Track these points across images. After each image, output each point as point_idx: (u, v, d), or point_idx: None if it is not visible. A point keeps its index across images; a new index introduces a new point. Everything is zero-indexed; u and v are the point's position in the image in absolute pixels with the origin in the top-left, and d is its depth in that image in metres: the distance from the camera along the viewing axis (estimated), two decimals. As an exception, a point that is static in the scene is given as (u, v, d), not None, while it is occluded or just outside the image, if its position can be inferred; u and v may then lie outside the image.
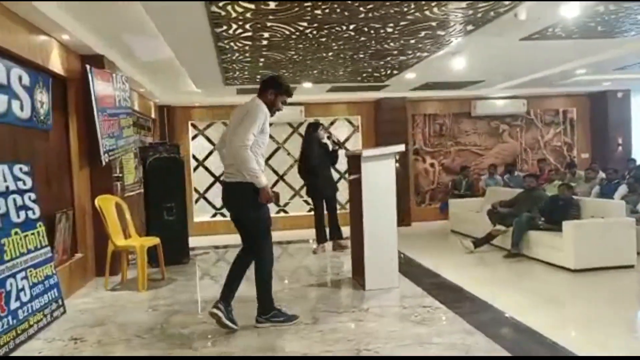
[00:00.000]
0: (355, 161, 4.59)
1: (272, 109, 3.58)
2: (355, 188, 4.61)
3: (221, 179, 3.65)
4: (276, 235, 8.26)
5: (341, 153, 6.35)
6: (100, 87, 4.87)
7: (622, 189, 7.12)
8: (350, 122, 10.37)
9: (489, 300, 4.37)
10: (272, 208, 10.68)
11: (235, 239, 3.78)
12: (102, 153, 4.74)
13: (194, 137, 9.96)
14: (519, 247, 6.51)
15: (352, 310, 3.92)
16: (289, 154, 10.01)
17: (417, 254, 6.66)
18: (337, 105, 10.16)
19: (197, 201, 10.00)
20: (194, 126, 9.96)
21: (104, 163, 4.80)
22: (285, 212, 10.08)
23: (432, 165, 10.57)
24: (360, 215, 4.44)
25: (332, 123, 10.26)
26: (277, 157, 10.08)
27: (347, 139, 10.31)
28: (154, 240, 4.93)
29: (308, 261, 6.07)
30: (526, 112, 10.44)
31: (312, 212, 6.50)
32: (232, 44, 4.73)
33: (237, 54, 5.20)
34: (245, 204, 3.41)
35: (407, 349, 3.10)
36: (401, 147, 4.63)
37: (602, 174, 8.20)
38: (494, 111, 10.34)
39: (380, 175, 4.44)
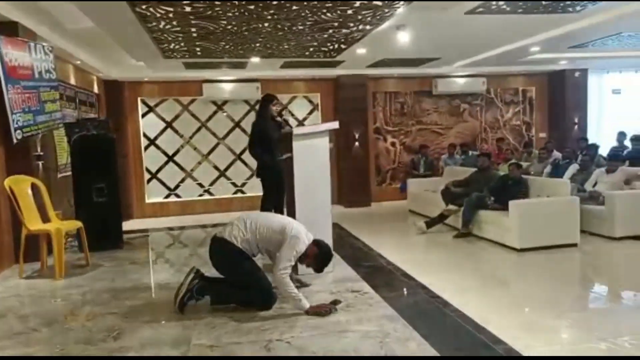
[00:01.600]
0: (288, 140, 4.34)
1: (301, 258, 3.55)
2: (289, 167, 4.38)
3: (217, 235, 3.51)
4: (200, 218, 8.07)
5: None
6: (11, 56, 4.46)
7: (573, 168, 7.09)
8: (309, 100, 10.09)
9: (426, 282, 4.26)
10: (196, 190, 10.21)
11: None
12: (12, 130, 4.36)
13: (144, 115, 9.52)
14: (469, 226, 6.43)
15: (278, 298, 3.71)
16: (214, 135, 9.68)
17: (368, 235, 6.53)
18: (295, 82, 9.85)
19: (149, 181, 9.63)
20: (144, 103, 9.52)
21: (15, 140, 4.42)
22: (211, 194, 9.78)
23: (393, 144, 10.41)
24: (293, 197, 4.22)
25: (290, 101, 9.96)
26: (201, 135, 9.68)
27: (305, 118, 10.04)
28: (75, 224, 4.62)
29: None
30: (486, 91, 10.33)
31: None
32: (151, 9, 4.36)
33: (163, 23, 4.83)
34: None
35: (320, 339, 2.93)
36: (335, 125, 4.40)
37: (556, 154, 8.17)
38: (455, 89, 10.20)
39: (313, 154, 4.21)
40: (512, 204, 5.69)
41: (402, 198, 9.27)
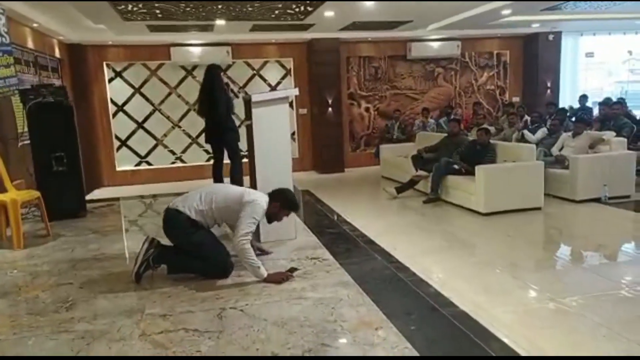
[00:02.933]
0: (249, 106, 4.25)
1: (271, 218, 3.54)
2: (250, 135, 4.30)
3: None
4: (174, 186, 7.97)
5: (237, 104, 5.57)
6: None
7: (541, 132, 7.15)
8: (282, 65, 9.89)
9: (390, 248, 4.30)
10: (168, 158, 10.06)
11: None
12: (-44, 97, 4.17)
13: (110, 80, 9.24)
14: (438, 192, 6.49)
15: (235, 267, 3.71)
16: (185, 101, 9.47)
17: (337, 201, 6.55)
18: (267, 46, 9.62)
19: (118, 149, 9.44)
20: (110, 68, 9.21)
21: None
22: (183, 161, 9.67)
23: (367, 109, 10.34)
24: (253, 165, 4.17)
25: (262, 65, 9.76)
26: (171, 102, 9.48)
27: (278, 83, 9.87)
28: (33, 194, 4.51)
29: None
30: (461, 55, 10.24)
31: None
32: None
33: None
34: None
35: (274, 306, 2.94)
36: (295, 91, 4.32)
37: (527, 118, 8.21)
38: (429, 54, 10.09)
39: (273, 121, 4.12)
40: (478, 168, 5.74)
41: (377, 164, 9.29)
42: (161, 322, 2.81)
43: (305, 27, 8.28)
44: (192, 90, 9.40)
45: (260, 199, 3.43)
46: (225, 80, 5.71)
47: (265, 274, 3.31)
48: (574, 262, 4.35)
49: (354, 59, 10.04)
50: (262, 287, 3.24)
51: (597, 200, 5.86)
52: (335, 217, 5.57)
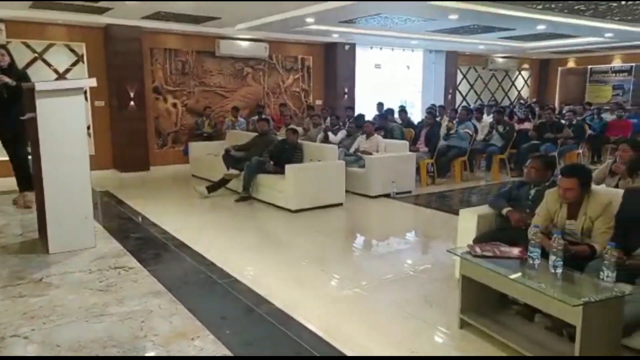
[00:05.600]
0: (30, 97, 3.61)
1: None
2: (33, 130, 3.67)
3: None
4: None
5: None
6: None
7: (341, 134, 7.82)
8: (72, 50, 8.72)
9: (203, 250, 4.16)
10: None
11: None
12: None
13: None
14: (250, 190, 6.54)
15: (17, 283, 3.12)
16: None
17: (143, 202, 6.08)
18: (54, 27, 8.37)
19: None
20: None
21: None
22: None
23: (174, 105, 9.85)
24: (39, 166, 3.57)
25: (46, 48, 8.46)
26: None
27: (67, 70, 8.69)
28: None
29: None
30: (269, 57, 10.54)
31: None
32: None
33: None
34: None
35: (69, 328, 2.56)
36: (92, 82, 3.84)
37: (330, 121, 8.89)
38: (238, 52, 10.12)
39: (65, 115, 3.59)
40: (288, 167, 5.97)
41: (186, 162, 8.95)
42: None
43: (101, 10, 7.47)
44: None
45: None
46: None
47: None
48: (369, 251, 4.85)
49: (159, 51, 9.47)
50: (53, 307, 2.79)
51: (387, 195, 6.67)
52: (141, 220, 5.17)
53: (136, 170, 8.87)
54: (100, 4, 6.76)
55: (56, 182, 3.55)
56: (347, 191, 6.41)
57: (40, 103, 3.47)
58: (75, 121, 3.66)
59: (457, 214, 3.63)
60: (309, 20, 7.72)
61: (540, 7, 7.16)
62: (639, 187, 3.15)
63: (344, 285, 3.68)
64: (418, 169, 7.39)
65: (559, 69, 15.24)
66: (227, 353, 2.35)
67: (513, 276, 2.52)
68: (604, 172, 4.12)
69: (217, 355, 2.33)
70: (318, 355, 2.48)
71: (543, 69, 15.54)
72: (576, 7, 7.18)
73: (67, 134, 3.60)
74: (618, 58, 13.78)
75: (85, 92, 8.57)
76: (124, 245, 3.99)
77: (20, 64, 8.15)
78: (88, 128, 8.81)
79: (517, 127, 8.80)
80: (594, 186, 2.94)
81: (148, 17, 8.04)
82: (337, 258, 4.45)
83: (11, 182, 5.51)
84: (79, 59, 8.77)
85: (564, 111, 10.28)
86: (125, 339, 2.45)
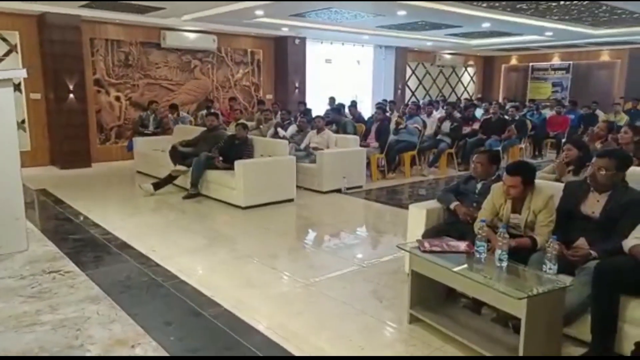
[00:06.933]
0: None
1: None
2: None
3: None
4: None
5: None
6: None
7: (292, 129, 7.73)
8: (3, 39, 8.14)
9: (147, 251, 3.98)
10: None
11: None
12: None
13: None
14: (198, 187, 6.35)
15: None
16: None
17: (84, 201, 5.77)
18: (-21, 12, 7.78)
19: None
20: None
21: None
22: None
23: (117, 98, 9.42)
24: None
25: (-27, 37, 7.86)
26: None
27: (0, 60, 8.10)
28: None
29: None
30: (217, 49, 10.28)
31: None
32: None
33: None
34: None
35: (-6, 341, 2.36)
36: (22, 73, 3.57)
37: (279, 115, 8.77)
38: (185, 44, 9.80)
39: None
40: (237, 163, 5.83)
41: (131, 158, 8.58)
42: None
43: (35, -3, 7.00)
44: None
45: None
46: None
47: None
48: (320, 247, 4.81)
49: (100, 42, 9.01)
50: (-23, 318, 2.56)
51: (339, 191, 6.66)
52: (81, 220, 4.89)
53: (77, 167, 8.42)
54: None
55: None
56: (298, 187, 6.35)
57: (-39, 95, 3.19)
58: (4, 115, 3.38)
59: (407, 208, 3.65)
60: (259, 12, 7.57)
61: (484, 5, 7.37)
62: (578, 180, 3.27)
63: (294, 282, 3.61)
64: (369, 164, 7.43)
65: (503, 66, 15.82)
66: (170, 361, 2.24)
67: (459, 269, 2.54)
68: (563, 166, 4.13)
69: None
70: (261, 355, 2.41)
71: (488, 66, 16.08)
72: (518, 6, 7.44)
73: (-8, 128, 3.33)
74: (557, 56, 14.47)
75: (19, 84, 8.23)
76: (61, 248, 3.74)
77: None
78: (22, 122, 8.29)
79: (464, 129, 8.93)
80: (538, 181, 3.02)
81: (86, 6, 7.62)
82: (287, 255, 4.39)
83: None
84: (12, 48, 8.20)
85: (507, 107, 10.67)
86: (59, 350, 2.28)
